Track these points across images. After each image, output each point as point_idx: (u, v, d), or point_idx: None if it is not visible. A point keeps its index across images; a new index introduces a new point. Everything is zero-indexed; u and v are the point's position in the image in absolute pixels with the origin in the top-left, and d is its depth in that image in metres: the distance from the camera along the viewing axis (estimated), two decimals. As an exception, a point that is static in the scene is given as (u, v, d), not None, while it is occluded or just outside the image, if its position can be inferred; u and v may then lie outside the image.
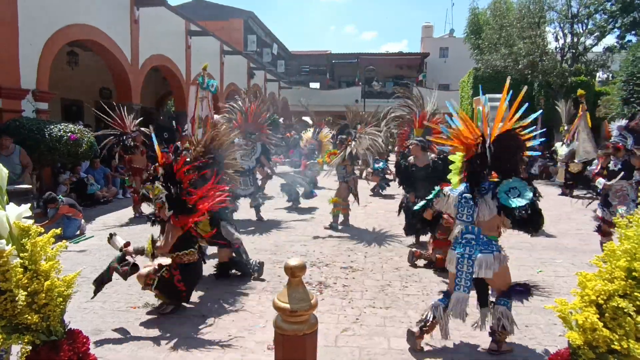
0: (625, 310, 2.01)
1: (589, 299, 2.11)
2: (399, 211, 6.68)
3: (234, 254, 5.03)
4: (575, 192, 10.40)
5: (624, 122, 6.04)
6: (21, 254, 2.23)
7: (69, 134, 8.27)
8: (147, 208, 8.96)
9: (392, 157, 13.76)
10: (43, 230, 2.33)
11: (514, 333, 3.41)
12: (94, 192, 9.64)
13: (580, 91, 11.46)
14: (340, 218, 7.85)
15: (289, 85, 33.08)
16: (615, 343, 1.98)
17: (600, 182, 6.20)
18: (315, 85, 39.98)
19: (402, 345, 3.57)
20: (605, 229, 6.05)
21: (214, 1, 28.62)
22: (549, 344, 3.57)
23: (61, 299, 2.26)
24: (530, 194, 3.09)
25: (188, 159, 4.21)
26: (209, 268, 5.36)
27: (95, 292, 3.92)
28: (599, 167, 6.94)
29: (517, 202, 3.07)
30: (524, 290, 3.44)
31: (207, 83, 9.41)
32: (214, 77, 7.69)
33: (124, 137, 8.45)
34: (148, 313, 4.14)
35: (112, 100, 14.39)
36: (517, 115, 3.29)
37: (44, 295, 2.18)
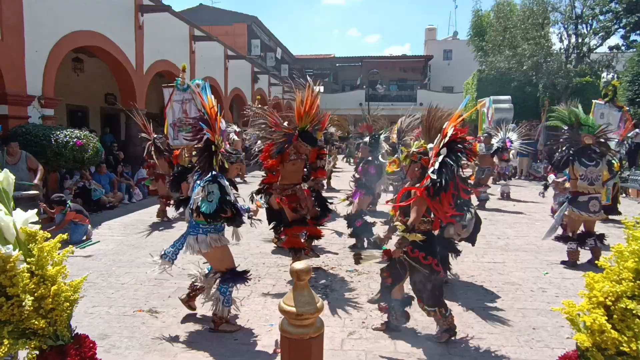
0: (634, 311, 1.99)
1: (597, 301, 2.09)
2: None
3: None
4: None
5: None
6: (28, 259, 2.23)
7: (74, 140, 8.31)
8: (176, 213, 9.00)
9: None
10: (49, 235, 2.34)
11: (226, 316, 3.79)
12: (99, 198, 9.69)
13: (615, 82, 11.02)
14: None
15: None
16: (624, 345, 1.96)
17: (551, 177, 7.60)
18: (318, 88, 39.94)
19: (409, 348, 3.56)
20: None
21: (218, 6, 28.78)
22: (557, 347, 3.55)
23: (68, 304, 2.26)
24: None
25: None
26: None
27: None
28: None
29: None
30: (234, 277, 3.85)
31: (187, 84, 9.29)
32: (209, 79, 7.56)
33: (156, 140, 8.62)
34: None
35: (117, 105, 14.50)
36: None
37: (50, 300, 2.18)
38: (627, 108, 10.11)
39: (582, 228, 5.97)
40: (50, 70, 9.35)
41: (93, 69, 13.85)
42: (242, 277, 3.94)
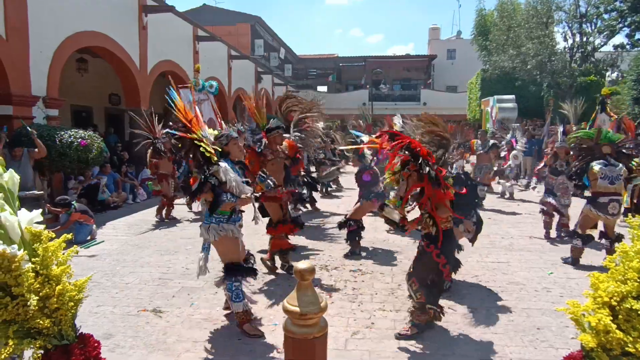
0: (639, 312, 1.98)
1: (602, 301, 2.08)
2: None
3: None
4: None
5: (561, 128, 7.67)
6: (33, 259, 2.24)
7: (79, 140, 8.34)
8: (179, 213, 9.03)
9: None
10: (54, 235, 2.35)
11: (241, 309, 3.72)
12: (104, 199, 9.73)
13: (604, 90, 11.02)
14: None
15: (297, 89, 33.19)
16: (629, 345, 1.95)
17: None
18: (322, 88, 40.01)
19: (413, 348, 3.55)
20: (549, 211, 7.24)
21: (221, 6, 28.83)
22: (561, 347, 3.53)
23: (72, 304, 2.27)
24: None
25: None
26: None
27: None
28: (542, 163, 8.39)
29: None
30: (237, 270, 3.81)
31: (203, 85, 9.35)
32: (213, 79, 7.60)
33: (156, 141, 8.62)
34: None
35: (121, 105, 14.53)
36: None
37: (55, 299, 2.19)
38: (616, 116, 10.26)
39: (601, 227, 5.89)
40: (55, 71, 9.38)
41: (97, 70, 13.88)
42: (243, 271, 3.88)
